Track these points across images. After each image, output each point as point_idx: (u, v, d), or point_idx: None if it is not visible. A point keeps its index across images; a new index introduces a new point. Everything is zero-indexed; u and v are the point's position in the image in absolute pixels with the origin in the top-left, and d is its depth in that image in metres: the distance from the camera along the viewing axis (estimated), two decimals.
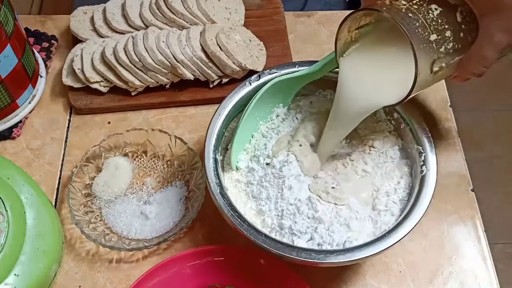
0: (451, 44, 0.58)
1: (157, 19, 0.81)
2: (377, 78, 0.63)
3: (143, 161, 0.74)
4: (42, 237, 0.63)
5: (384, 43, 0.63)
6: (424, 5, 0.58)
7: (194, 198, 0.70)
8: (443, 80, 0.75)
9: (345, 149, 0.70)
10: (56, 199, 0.73)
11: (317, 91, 0.74)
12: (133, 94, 0.79)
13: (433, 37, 0.56)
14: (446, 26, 0.58)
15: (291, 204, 0.64)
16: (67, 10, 0.90)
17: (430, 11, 0.57)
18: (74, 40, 0.82)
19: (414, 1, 0.58)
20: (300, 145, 0.69)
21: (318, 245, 0.62)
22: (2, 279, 0.59)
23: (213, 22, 0.81)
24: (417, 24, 0.56)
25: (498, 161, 1.68)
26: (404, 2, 0.58)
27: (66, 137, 0.77)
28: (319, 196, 0.65)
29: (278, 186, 0.66)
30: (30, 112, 0.78)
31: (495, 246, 1.48)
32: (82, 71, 0.77)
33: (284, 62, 0.72)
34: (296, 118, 0.72)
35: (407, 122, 0.68)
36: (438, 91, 0.82)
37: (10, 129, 0.76)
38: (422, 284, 0.68)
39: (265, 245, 0.59)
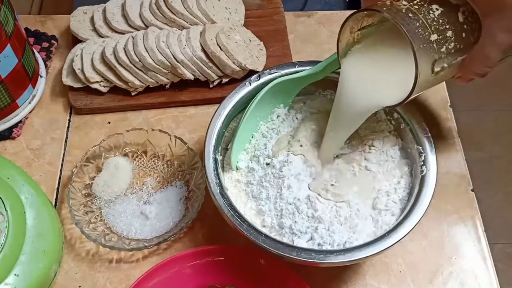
0: (452, 44, 0.58)
1: (157, 19, 0.81)
2: (378, 79, 0.63)
3: (143, 161, 0.74)
4: (42, 237, 0.63)
5: (386, 44, 0.63)
6: (425, 5, 0.58)
7: (194, 198, 0.70)
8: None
9: (345, 149, 0.70)
10: (56, 199, 0.73)
11: (317, 91, 0.74)
12: (133, 94, 0.79)
13: (434, 37, 0.56)
14: (448, 26, 0.57)
15: (290, 204, 0.64)
16: (67, 10, 0.90)
17: (431, 11, 0.57)
18: (74, 40, 0.82)
19: (415, 1, 0.58)
20: (301, 145, 0.69)
21: (319, 245, 0.62)
22: (2, 279, 0.59)
23: (213, 22, 0.81)
24: (417, 24, 0.56)
25: (498, 161, 1.68)
26: (404, 3, 0.58)
27: (66, 137, 0.77)
28: (319, 194, 0.65)
29: (278, 186, 0.66)
30: (30, 112, 0.78)
31: (495, 246, 1.48)
32: (82, 71, 0.77)
33: (284, 62, 0.72)
34: (296, 118, 0.72)
35: (407, 122, 0.68)
36: (438, 91, 0.82)
37: (10, 129, 0.76)
38: (422, 284, 0.68)
39: (265, 245, 0.59)
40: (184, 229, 0.68)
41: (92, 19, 0.82)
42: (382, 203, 0.65)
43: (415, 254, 0.70)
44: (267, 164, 0.68)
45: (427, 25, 0.56)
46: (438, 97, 0.82)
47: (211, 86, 0.80)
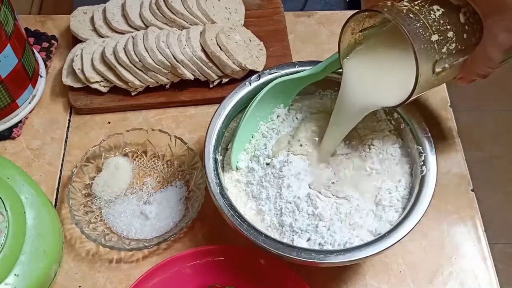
0: (453, 45, 0.58)
1: (157, 19, 0.81)
2: (380, 80, 0.63)
3: (143, 161, 0.74)
4: (42, 237, 0.63)
5: (387, 45, 0.63)
6: (426, 6, 0.58)
7: (194, 198, 0.70)
8: None
9: (346, 149, 0.70)
10: (56, 199, 0.73)
11: (317, 91, 0.74)
12: (133, 94, 0.79)
13: (435, 37, 0.56)
14: (449, 27, 0.57)
15: (290, 202, 0.64)
16: (67, 10, 0.90)
17: (432, 12, 0.57)
18: (74, 40, 0.82)
19: (416, 2, 0.58)
20: (301, 145, 0.69)
21: (320, 245, 0.62)
22: (2, 279, 0.59)
23: (213, 22, 0.81)
24: (418, 24, 0.56)
25: (498, 161, 1.68)
26: (405, 3, 0.58)
27: (66, 137, 0.77)
28: (319, 192, 0.65)
29: (278, 186, 0.66)
30: (30, 112, 0.78)
31: (495, 246, 1.48)
32: (82, 71, 0.77)
33: (284, 62, 0.72)
34: (296, 118, 0.72)
35: (407, 122, 0.68)
36: (438, 91, 0.82)
37: (10, 129, 0.76)
38: (422, 284, 0.68)
39: (265, 245, 0.59)
40: (184, 229, 0.68)
41: (92, 19, 0.82)
42: (384, 200, 0.65)
43: (415, 254, 0.70)
44: (267, 164, 0.68)
45: (428, 26, 0.56)
46: (438, 97, 0.82)
47: (211, 86, 0.80)
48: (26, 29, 0.84)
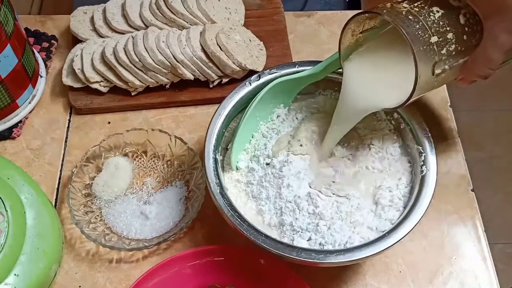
0: (453, 46, 0.58)
1: (157, 19, 0.81)
2: (380, 81, 0.63)
3: (143, 161, 0.74)
4: (42, 237, 0.63)
5: (387, 46, 0.63)
6: (426, 7, 0.58)
7: (194, 198, 0.70)
8: None
9: (346, 148, 0.70)
10: (56, 199, 0.73)
11: (317, 91, 0.74)
12: (133, 94, 0.79)
13: (434, 39, 0.56)
14: (448, 28, 0.58)
15: (290, 202, 0.64)
16: (67, 10, 0.90)
17: (431, 14, 0.57)
18: (74, 40, 0.82)
19: (415, 4, 0.58)
20: (301, 145, 0.69)
21: (320, 244, 0.62)
22: (2, 279, 0.59)
23: (213, 22, 0.81)
24: (417, 26, 0.56)
25: (498, 161, 1.68)
26: (405, 5, 0.58)
27: (66, 137, 0.77)
28: (320, 191, 0.65)
29: (278, 186, 0.66)
30: (30, 112, 0.78)
31: (495, 246, 1.48)
32: (82, 71, 0.77)
33: (284, 62, 0.72)
34: (296, 118, 0.72)
35: (407, 122, 0.68)
36: (438, 92, 0.82)
37: (10, 129, 0.76)
38: (422, 284, 0.68)
39: (265, 245, 0.59)
40: (184, 229, 0.68)
41: (92, 19, 0.82)
42: (384, 199, 0.65)
43: (415, 254, 0.70)
44: (267, 164, 0.68)
45: (427, 27, 0.56)
46: (438, 97, 0.82)
47: (211, 86, 0.80)
48: (26, 29, 0.84)
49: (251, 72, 0.79)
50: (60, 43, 0.85)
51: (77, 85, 0.78)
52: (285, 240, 0.63)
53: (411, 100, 0.59)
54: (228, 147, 0.70)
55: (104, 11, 0.82)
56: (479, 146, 1.68)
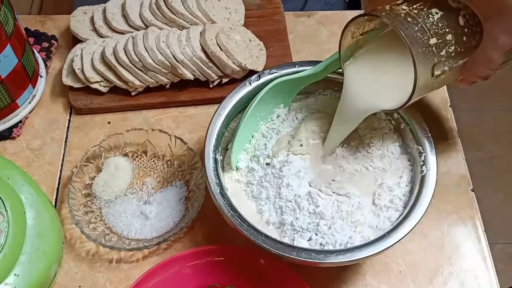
0: (452, 48, 0.58)
1: (157, 19, 0.81)
2: (380, 83, 0.63)
3: (143, 161, 0.74)
4: (42, 237, 0.63)
5: (387, 48, 0.63)
6: (425, 9, 0.58)
7: (194, 198, 0.70)
8: None
9: (346, 149, 0.70)
10: (56, 199, 0.73)
11: (317, 91, 0.74)
12: (133, 94, 0.79)
13: (433, 40, 0.56)
14: (447, 30, 0.58)
15: (290, 201, 0.64)
16: (67, 10, 0.90)
17: (430, 15, 0.57)
18: (74, 40, 0.82)
19: (415, 6, 0.58)
20: (301, 145, 0.69)
21: (321, 245, 0.62)
22: (2, 279, 0.59)
23: (213, 22, 0.81)
24: (416, 28, 0.56)
25: (498, 161, 1.68)
26: (404, 7, 0.58)
27: (66, 137, 0.77)
28: (320, 190, 0.65)
29: (278, 186, 0.66)
30: (30, 112, 0.78)
31: (495, 246, 1.48)
32: (82, 71, 0.77)
33: (284, 62, 0.72)
34: (296, 118, 0.72)
35: (407, 122, 0.68)
36: (438, 92, 0.82)
37: (10, 129, 0.76)
38: (422, 284, 0.68)
39: (265, 245, 0.59)
40: (184, 229, 0.68)
41: (92, 19, 0.82)
42: (384, 198, 0.65)
43: (415, 254, 0.70)
44: (267, 164, 0.68)
45: (426, 29, 0.56)
46: (438, 97, 0.82)
47: (211, 86, 0.80)
48: (26, 29, 0.84)
49: (251, 72, 0.79)
50: (60, 43, 0.85)
51: (77, 85, 0.78)
52: (286, 240, 0.63)
53: (411, 102, 0.59)
54: (228, 147, 0.70)
55: (104, 11, 0.82)
56: (479, 146, 1.68)
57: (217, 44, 0.77)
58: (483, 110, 1.79)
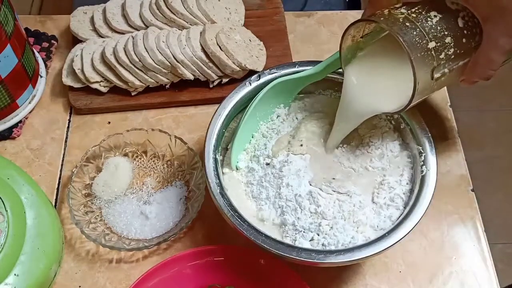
0: (452, 50, 0.58)
1: (157, 19, 0.81)
2: (380, 86, 0.63)
3: (143, 161, 0.74)
4: (42, 237, 0.63)
5: (387, 51, 0.63)
6: (423, 12, 0.58)
7: (194, 198, 0.70)
8: None
9: (346, 148, 0.70)
10: (56, 199, 0.73)
11: (317, 91, 0.74)
12: (133, 94, 0.79)
13: (432, 44, 0.56)
14: (446, 33, 0.57)
15: (290, 201, 0.64)
16: (67, 10, 0.90)
17: (429, 19, 0.57)
18: (74, 40, 0.82)
19: (413, 10, 0.58)
20: (301, 145, 0.69)
21: (323, 245, 0.62)
22: (2, 279, 0.59)
23: (213, 22, 0.81)
24: (415, 33, 0.56)
25: (498, 161, 1.68)
26: (403, 11, 0.58)
27: (66, 137, 0.77)
28: (320, 189, 0.65)
29: (278, 186, 0.66)
30: (30, 112, 0.78)
31: (495, 246, 1.48)
32: (82, 71, 0.77)
33: (284, 62, 0.72)
34: (296, 118, 0.72)
35: (407, 122, 0.68)
36: (438, 91, 0.81)
37: (10, 129, 0.76)
38: (422, 284, 0.68)
39: (265, 245, 0.59)
40: (184, 229, 0.68)
41: (92, 19, 0.82)
42: (385, 195, 0.65)
43: (415, 254, 0.70)
44: (267, 164, 0.68)
45: (425, 34, 0.56)
46: (438, 97, 0.82)
47: (211, 86, 0.80)
48: (26, 29, 0.84)
49: (251, 72, 0.79)
50: (60, 43, 0.85)
51: (77, 85, 0.78)
52: (287, 240, 0.63)
53: (411, 105, 0.59)
54: (228, 147, 0.70)
55: (104, 11, 0.82)
56: (479, 146, 1.68)
57: (217, 44, 0.77)
58: (483, 110, 1.79)
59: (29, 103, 0.78)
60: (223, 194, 0.62)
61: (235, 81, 0.79)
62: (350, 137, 0.69)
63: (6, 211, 0.62)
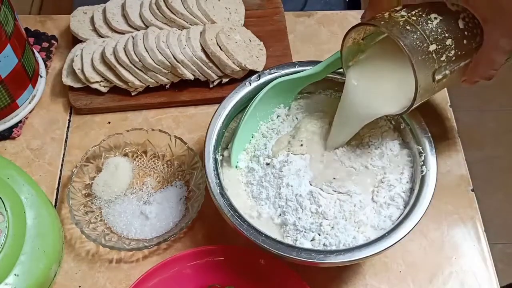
0: (453, 52, 0.58)
1: (157, 19, 0.81)
2: (382, 88, 0.63)
3: (143, 161, 0.74)
4: (42, 237, 0.63)
5: (388, 53, 0.63)
6: (424, 15, 0.58)
7: (194, 198, 0.70)
8: None
9: (346, 148, 0.70)
10: (56, 199, 0.73)
11: (317, 91, 0.74)
12: (133, 94, 0.79)
13: (433, 47, 0.56)
14: (447, 35, 0.57)
15: (291, 200, 0.64)
16: (67, 10, 0.90)
17: (429, 21, 0.57)
18: (74, 40, 0.82)
19: (413, 12, 0.58)
20: (301, 145, 0.69)
21: (324, 245, 0.62)
22: (2, 279, 0.59)
23: (213, 22, 0.81)
24: (415, 36, 0.56)
25: (498, 161, 1.68)
26: (403, 13, 0.58)
27: (66, 137, 0.77)
28: (321, 189, 0.65)
29: (278, 186, 0.66)
30: (30, 112, 0.78)
31: (495, 246, 1.48)
32: (82, 71, 0.77)
33: (284, 62, 0.72)
34: (296, 118, 0.72)
35: (407, 122, 0.68)
36: (438, 92, 0.82)
37: (10, 129, 0.76)
38: (422, 284, 0.68)
39: (265, 245, 0.59)
40: (184, 229, 0.68)
41: (92, 19, 0.82)
42: (384, 194, 0.65)
43: (415, 254, 0.70)
44: (267, 164, 0.68)
45: (425, 37, 0.56)
46: (438, 97, 0.82)
47: (211, 86, 0.80)
48: (26, 29, 0.84)
49: (251, 72, 0.79)
50: (60, 43, 0.85)
51: (77, 85, 0.78)
52: (288, 240, 0.63)
53: (413, 107, 0.59)
54: (228, 147, 0.70)
55: (104, 11, 0.82)
56: (479, 146, 1.68)
57: (217, 44, 0.77)
58: (483, 110, 1.79)
59: (29, 103, 0.78)
60: (223, 194, 0.62)
61: (235, 81, 0.79)
62: None
63: (6, 211, 0.62)
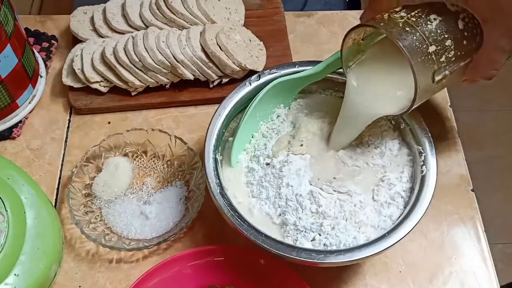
0: (452, 53, 0.58)
1: (157, 19, 0.81)
2: (382, 89, 0.63)
3: (143, 161, 0.74)
4: (42, 237, 0.63)
5: (388, 54, 0.63)
6: (423, 16, 0.58)
7: (194, 198, 0.70)
8: None
9: (346, 147, 0.70)
10: (56, 199, 0.73)
11: (317, 91, 0.74)
12: (133, 94, 0.79)
13: (432, 48, 0.56)
14: (446, 36, 0.57)
15: (291, 200, 0.64)
16: (67, 10, 0.90)
17: (429, 22, 0.57)
18: (74, 40, 0.82)
19: (413, 13, 0.58)
20: (301, 145, 0.69)
21: (324, 245, 0.62)
22: (2, 279, 0.59)
23: (213, 22, 0.81)
24: (414, 38, 0.56)
25: (498, 161, 1.68)
26: (402, 14, 0.58)
27: (66, 137, 0.77)
28: (321, 189, 0.65)
29: (278, 186, 0.66)
30: (30, 112, 0.78)
31: (495, 246, 1.48)
32: (82, 71, 0.77)
33: (284, 62, 0.72)
34: (296, 118, 0.72)
35: (407, 122, 0.68)
36: (438, 92, 0.82)
37: (10, 129, 0.76)
38: (422, 284, 0.68)
39: (265, 245, 0.59)
40: (184, 229, 0.68)
41: (92, 19, 0.82)
42: (385, 193, 0.65)
43: (415, 254, 0.70)
44: (267, 164, 0.68)
45: (425, 38, 0.56)
46: (438, 97, 0.82)
47: (211, 86, 0.80)
48: (26, 29, 0.84)
49: (251, 72, 0.79)
50: (60, 43, 0.85)
51: (77, 85, 0.78)
52: (289, 240, 0.63)
53: (413, 108, 0.59)
54: (228, 147, 0.70)
55: (104, 11, 0.82)
56: (479, 146, 1.68)
57: (217, 44, 0.77)
58: (483, 110, 1.79)
59: (29, 103, 0.78)
60: (223, 194, 0.62)
61: (235, 81, 0.79)
62: None
63: (6, 211, 0.62)
